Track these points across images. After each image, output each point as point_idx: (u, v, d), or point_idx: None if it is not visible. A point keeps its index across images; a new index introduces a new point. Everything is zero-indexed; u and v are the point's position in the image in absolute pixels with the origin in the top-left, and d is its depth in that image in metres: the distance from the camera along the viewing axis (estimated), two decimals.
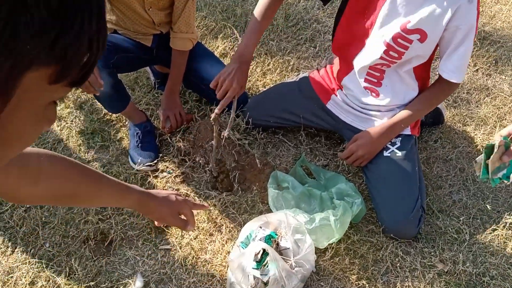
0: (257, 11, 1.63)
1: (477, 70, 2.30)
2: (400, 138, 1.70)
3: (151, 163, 1.78)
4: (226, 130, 1.65)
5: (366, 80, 1.67)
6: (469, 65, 2.32)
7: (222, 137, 1.71)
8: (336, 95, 1.80)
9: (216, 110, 1.59)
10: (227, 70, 1.60)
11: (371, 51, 1.58)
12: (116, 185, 0.99)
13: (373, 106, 1.72)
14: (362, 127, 1.75)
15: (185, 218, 1.16)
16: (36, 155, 0.82)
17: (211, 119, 1.63)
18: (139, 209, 1.10)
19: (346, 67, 1.70)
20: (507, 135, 1.12)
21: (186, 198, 1.21)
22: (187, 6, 1.72)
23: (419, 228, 1.62)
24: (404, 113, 1.67)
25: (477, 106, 2.13)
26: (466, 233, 1.67)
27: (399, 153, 1.67)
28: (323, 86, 1.83)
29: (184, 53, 1.84)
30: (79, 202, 1.15)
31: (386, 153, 1.69)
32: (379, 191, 1.67)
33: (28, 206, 1.69)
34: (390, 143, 1.70)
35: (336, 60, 1.79)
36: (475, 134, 2.01)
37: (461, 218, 1.72)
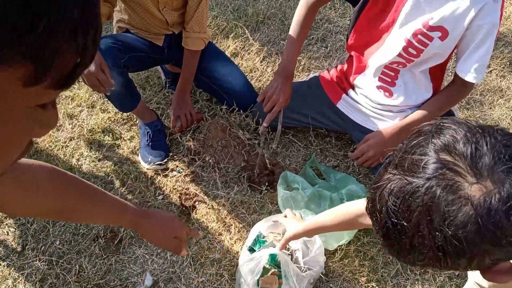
0: (294, 22, 1.66)
1: (490, 71, 2.27)
2: None
3: (161, 162, 1.78)
4: (274, 142, 1.75)
5: (380, 79, 1.66)
6: None
7: (270, 148, 1.82)
8: (348, 94, 1.79)
9: (264, 124, 1.66)
10: (273, 85, 1.67)
11: (389, 48, 1.57)
12: (112, 204, 0.96)
13: (385, 106, 1.71)
14: (372, 128, 1.74)
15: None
16: (33, 168, 0.79)
17: (259, 132, 1.72)
18: (134, 229, 1.06)
19: (361, 66, 1.70)
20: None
21: (183, 223, 1.20)
22: (200, 6, 1.72)
23: None
24: (418, 113, 1.65)
25: (491, 108, 2.11)
26: None
27: None
28: (334, 85, 1.82)
29: (196, 52, 1.84)
30: (74, 219, 1.14)
31: None
32: None
33: None
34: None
35: (349, 60, 1.78)
36: None
37: None
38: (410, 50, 1.51)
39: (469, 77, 1.51)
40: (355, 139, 1.83)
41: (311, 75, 1.98)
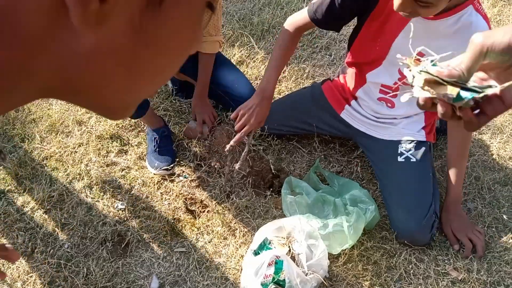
0: (277, 46, 1.63)
1: None
2: (414, 144, 1.69)
3: (168, 167, 1.82)
4: (238, 163, 1.70)
5: (381, 91, 1.68)
6: None
7: (232, 168, 1.76)
8: (350, 105, 1.81)
9: (232, 142, 1.61)
10: (248, 105, 1.59)
11: (385, 75, 1.60)
12: None
13: (388, 116, 1.73)
14: (377, 135, 1.76)
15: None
16: None
17: (225, 150, 1.65)
18: None
19: (361, 80, 1.72)
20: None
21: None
22: (215, 11, 1.77)
23: (431, 234, 1.62)
24: (457, 186, 1.65)
25: None
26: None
27: (413, 159, 1.67)
28: (337, 96, 1.84)
29: (212, 55, 1.89)
30: None
31: (400, 159, 1.69)
32: (393, 197, 1.67)
33: (48, 207, 1.74)
34: (404, 149, 1.70)
35: (350, 71, 1.81)
36: (491, 143, 2.00)
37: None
38: (406, 80, 1.54)
39: None
40: (360, 145, 1.86)
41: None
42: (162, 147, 1.86)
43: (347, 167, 1.91)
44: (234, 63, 2.21)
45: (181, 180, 1.84)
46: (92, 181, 1.82)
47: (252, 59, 2.35)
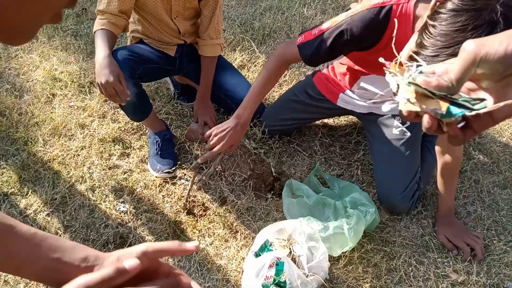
0: (262, 74, 1.59)
1: None
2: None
3: (170, 170, 1.83)
4: (201, 177, 1.76)
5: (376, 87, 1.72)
6: None
7: (200, 181, 1.80)
8: (345, 93, 1.84)
9: (199, 160, 1.62)
10: (223, 126, 1.59)
11: (381, 80, 1.63)
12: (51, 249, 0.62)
13: (384, 96, 1.74)
14: (375, 111, 1.82)
15: None
16: None
17: (191, 166, 1.66)
18: None
19: (354, 78, 1.76)
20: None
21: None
22: (215, 14, 1.80)
23: (412, 203, 1.74)
24: (448, 201, 1.70)
25: None
26: None
27: (407, 133, 1.75)
28: (330, 87, 1.86)
29: (213, 58, 1.91)
30: None
31: (395, 131, 1.77)
32: (381, 166, 1.77)
33: (51, 210, 1.75)
34: (400, 121, 1.78)
35: (340, 68, 1.83)
36: (490, 146, 2.02)
37: (475, 229, 1.72)
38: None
39: None
40: (358, 118, 1.96)
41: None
42: (164, 150, 1.88)
43: (348, 170, 1.92)
44: (236, 67, 2.22)
45: (183, 183, 1.85)
46: (95, 184, 1.83)
47: (253, 63, 2.37)
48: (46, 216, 1.74)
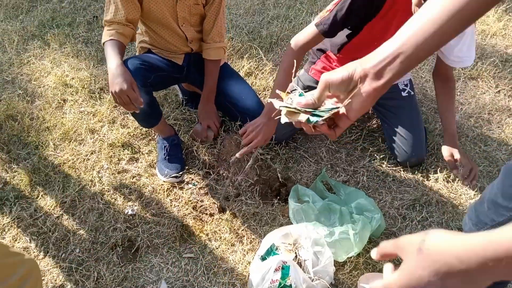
0: (282, 69, 1.68)
1: (499, 91, 2.32)
2: (408, 82, 2.01)
3: (177, 175, 1.86)
4: (240, 175, 1.80)
5: None
6: (491, 86, 2.35)
7: (235, 179, 1.85)
8: None
9: (237, 155, 1.69)
10: (256, 123, 1.69)
11: None
12: None
13: None
14: None
15: None
16: None
17: (230, 162, 1.75)
18: None
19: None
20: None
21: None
22: (218, 18, 1.83)
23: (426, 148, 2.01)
24: (450, 127, 1.90)
25: (499, 127, 2.15)
26: None
27: (412, 92, 2.01)
28: None
29: (217, 62, 1.94)
30: None
31: (404, 94, 1.99)
32: (401, 127, 1.94)
33: (60, 213, 1.78)
34: (403, 84, 2.00)
35: (331, 55, 1.91)
36: (496, 154, 2.02)
37: None
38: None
39: (458, 65, 1.78)
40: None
41: (300, 73, 2.11)
42: (172, 155, 1.91)
43: (353, 176, 1.94)
44: (243, 75, 2.26)
45: (190, 188, 1.88)
46: (104, 188, 1.86)
47: (261, 70, 2.40)
48: (55, 219, 1.77)
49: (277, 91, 0.82)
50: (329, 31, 1.59)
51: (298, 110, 0.74)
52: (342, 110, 0.74)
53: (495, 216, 1.04)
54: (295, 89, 0.79)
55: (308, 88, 1.95)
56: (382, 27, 1.62)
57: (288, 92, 0.80)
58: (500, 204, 1.02)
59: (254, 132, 1.68)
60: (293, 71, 1.57)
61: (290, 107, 0.75)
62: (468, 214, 1.19)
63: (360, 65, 0.70)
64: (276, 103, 0.78)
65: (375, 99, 0.70)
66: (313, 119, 0.74)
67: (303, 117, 0.74)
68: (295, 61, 1.26)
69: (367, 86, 0.69)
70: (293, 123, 0.77)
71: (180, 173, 1.87)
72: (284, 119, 0.76)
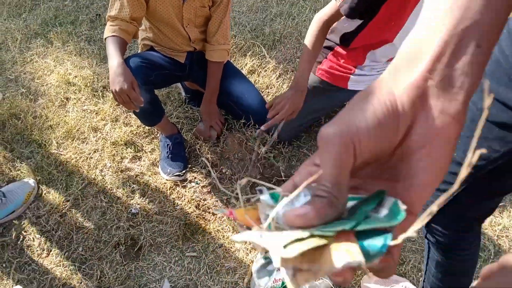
0: (307, 41, 1.69)
1: None
2: None
3: (180, 173, 1.86)
4: (264, 147, 1.79)
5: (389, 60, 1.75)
6: None
7: (259, 152, 1.85)
8: (354, 73, 1.85)
9: (262, 127, 1.72)
10: (283, 95, 1.71)
11: (395, 49, 1.67)
12: None
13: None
14: None
15: None
16: None
17: (255, 134, 1.77)
18: None
19: (364, 53, 1.78)
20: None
21: None
22: (224, 20, 1.82)
23: None
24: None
25: None
26: (491, 250, 1.67)
27: None
28: (336, 74, 1.87)
29: (220, 64, 1.93)
30: None
31: None
32: None
33: (63, 211, 1.78)
34: None
35: (343, 52, 1.85)
36: None
37: (485, 236, 1.72)
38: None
39: None
40: None
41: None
42: (174, 153, 1.90)
43: None
44: (246, 72, 2.25)
45: (193, 186, 1.87)
46: (107, 186, 1.86)
47: (264, 68, 2.39)
48: (58, 217, 1.77)
49: (219, 210, 0.40)
50: (354, 10, 1.52)
51: (319, 236, 0.31)
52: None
53: (433, 198, 1.04)
54: (261, 189, 0.38)
55: (314, 90, 1.91)
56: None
57: (251, 205, 0.39)
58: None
59: (281, 104, 1.69)
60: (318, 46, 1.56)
61: (299, 239, 0.31)
62: None
63: (395, 82, 0.34)
64: (254, 239, 0.34)
65: (458, 136, 0.34)
66: (375, 244, 0.31)
67: (344, 256, 0.29)
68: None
69: (440, 115, 0.33)
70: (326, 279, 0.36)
71: (183, 171, 1.87)
72: (297, 283, 0.31)
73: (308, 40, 1.70)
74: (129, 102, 1.53)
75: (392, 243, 0.30)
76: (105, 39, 1.64)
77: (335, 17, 1.64)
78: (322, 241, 0.30)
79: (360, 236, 0.31)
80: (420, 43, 0.35)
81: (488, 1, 0.33)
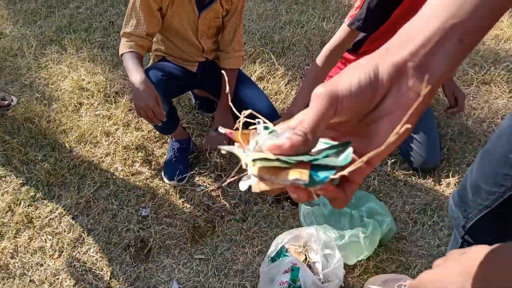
0: (313, 72, 1.68)
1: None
2: None
3: (180, 177, 1.89)
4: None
5: None
6: (504, 91, 2.33)
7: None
8: None
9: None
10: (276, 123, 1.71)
11: None
12: None
13: None
14: None
15: None
16: None
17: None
18: None
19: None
20: None
21: None
22: (239, 28, 1.86)
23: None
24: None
25: (496, 98, 2.13)
26: None
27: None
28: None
29: (236, 70, 1.96)
30: None
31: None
32: (419, 133, 1.95)
33: (75, 213, 1.82)
34: None
35: (349, 56, 1.90)
36: None
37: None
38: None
39: None
40: None
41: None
42: (178, 158, 1.93)
43: (364, 180, 1.94)
44: (255, 79, 2.28)
45: (202, 190, 1.90)
46: (118, 189, 1.90)
47: (273, 75, 2.42)
48: (70, 219, 1.81)
49: (222, 129, 0.48)
50: (367, 23, 1.54)
51: (283, 161, 0.39)
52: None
53: (480, 200, 1.07)
54: (259, 121, 0.46)
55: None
56: None
57: (251, 129, 0.46)
58: (483, 188, 1.05)
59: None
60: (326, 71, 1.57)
61: (269, 158, 0.40)
62: (451, 202, 1.20)
63: (382, 59, 0.42)
64: (236, 151, 0.44)
65: (420, 112, 0.41)
66: (321, 175, 0.39)
67: (301, 174, 0.39)
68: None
69: (408, 92, 0.41)
70: (269, 194, 0.44)
71: (184, 176, 1.90)
72: (259, 185, 0.41)
73: (313, 72, 1.68)
74: (153, 117, 1.55)
75: (332, 176, 0.39)
76: (121, 55, 1.67)
77: (346, 43, 1.62)
78: (284, 165, 0.39)
79: (315, 168, 0.40)
80: (412, 32, 0.42)
81: (477, 6, 0.41)
